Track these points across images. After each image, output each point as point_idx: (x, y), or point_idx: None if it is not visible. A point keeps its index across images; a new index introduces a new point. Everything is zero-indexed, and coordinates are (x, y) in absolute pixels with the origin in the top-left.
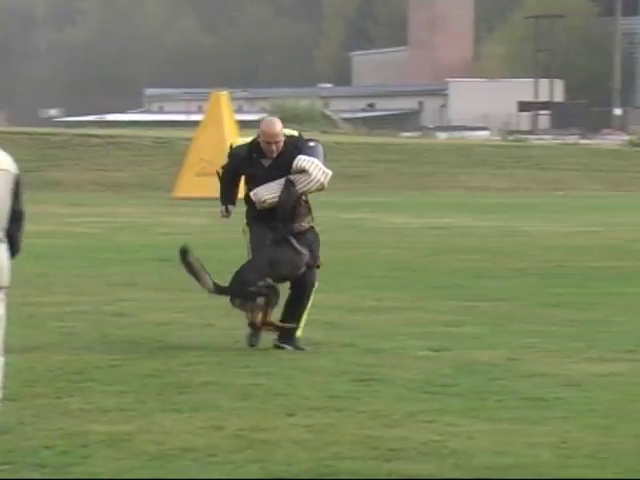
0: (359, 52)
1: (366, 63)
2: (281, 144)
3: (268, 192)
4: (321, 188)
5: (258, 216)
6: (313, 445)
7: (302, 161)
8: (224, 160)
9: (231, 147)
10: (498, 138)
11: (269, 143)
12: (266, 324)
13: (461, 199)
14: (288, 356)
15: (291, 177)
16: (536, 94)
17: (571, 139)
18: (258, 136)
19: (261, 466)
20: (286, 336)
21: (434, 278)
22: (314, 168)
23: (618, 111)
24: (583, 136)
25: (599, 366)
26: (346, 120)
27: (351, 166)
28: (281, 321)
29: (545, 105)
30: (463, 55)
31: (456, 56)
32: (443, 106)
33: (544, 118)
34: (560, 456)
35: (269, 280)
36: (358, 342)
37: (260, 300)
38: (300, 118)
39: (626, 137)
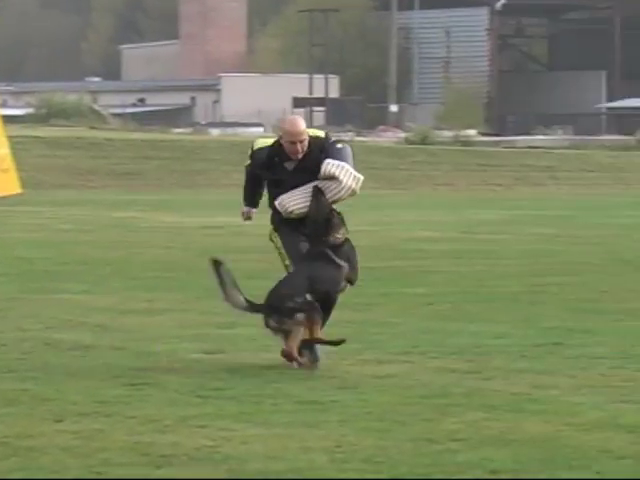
0: (129, 45)
1: (136, 57)
2: (306, 143)
3: (294, 202)
4: (352, 195)
5: (286, 221)
6: (82, 451)
7: (331, 166)
8: (247, 160)
9: (252, 148)
10: (273, 135)
11: (293, 143)
12: (314, 341)
13: (234, 197)
14: (56, 361)
15: (319, 184)
16: (311, 90)
17: (347, 136)
18: (280, 137)
19: (27, 474)
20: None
21: (207, 279)
22: (344, 174)
23: (394, 108)
24: (359, 133)
25: (375, 368)
26: (115, 115)
27: (121, 163)
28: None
29: (320, 101)
30: (236, 49)
31: (229, 50)
32: (216, 102)
33: (319, 114)
34: (336, 460)
35: (308, 296)
36: (129, 345)
37: (300, 316)
38: (68, 113)
39: (402, 134)
